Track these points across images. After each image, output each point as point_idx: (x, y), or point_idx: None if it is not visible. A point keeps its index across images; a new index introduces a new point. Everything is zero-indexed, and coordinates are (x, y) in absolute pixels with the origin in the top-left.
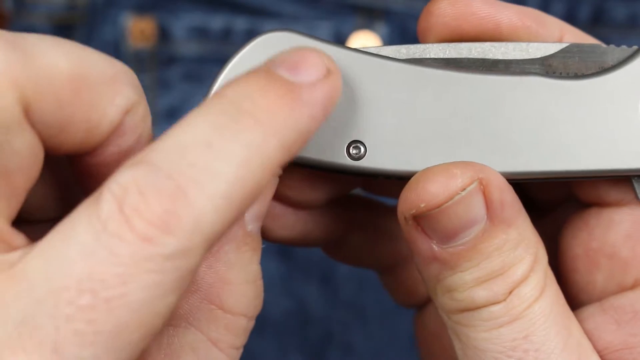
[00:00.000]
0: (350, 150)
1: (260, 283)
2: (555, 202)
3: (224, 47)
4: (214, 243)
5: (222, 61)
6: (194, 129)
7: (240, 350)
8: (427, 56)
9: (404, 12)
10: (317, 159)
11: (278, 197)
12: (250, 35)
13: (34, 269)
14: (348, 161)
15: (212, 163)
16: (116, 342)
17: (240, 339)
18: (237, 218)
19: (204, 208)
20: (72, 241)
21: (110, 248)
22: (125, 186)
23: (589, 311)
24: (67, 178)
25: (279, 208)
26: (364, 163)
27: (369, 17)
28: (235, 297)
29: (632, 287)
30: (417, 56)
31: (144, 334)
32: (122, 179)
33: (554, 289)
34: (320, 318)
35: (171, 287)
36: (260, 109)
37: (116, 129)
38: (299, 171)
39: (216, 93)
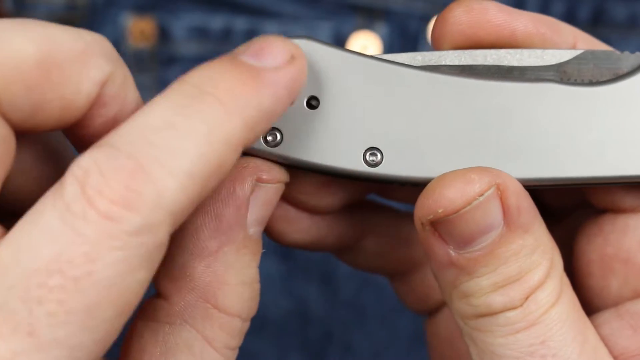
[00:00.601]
0: (367, 157)
1: (257, 286)
2: (569, 208)
3: (224, 47)
4: (180, 219)
5: None
6: (156, 111)
7: (236, 352)
8: (443, 63)
9: (404, 12)
10: (334, 166)
11: (293, 201)
12: (251, 35)
13: (5, 256)
14: (365, 168)
15: (174, 141)
16: (90, 320)
17: (235, 340)
18: (202, 195)
19: (166, 184)
20: (39, 226)
21: (75, 229)
22: (87, 168)
23: (604, 317)
24: (52, 167)
25: (293, 212)
26: (380, 170)
27: (369, 17)
28: (231, 298)
29: None
30: (432, 63)
31: (118, 311)
32: (83, 162)
33: (569, 294)
34: (320, 318)
35: (139, 263)
36: (223, 90)
37: (96, 101)
38: (314, 176)
39: (179, 78)
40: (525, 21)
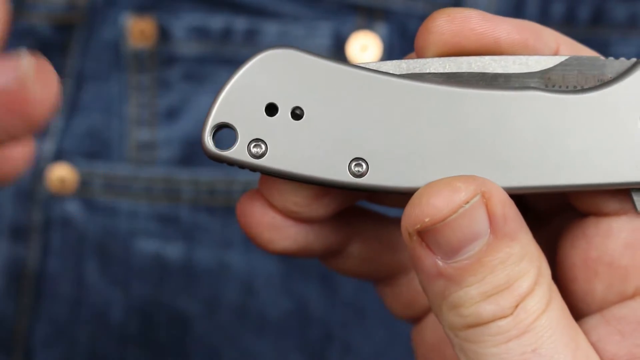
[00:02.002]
0: (352, 168)
1: None
2: (552, 211)
3: (224, 47)
4: None
5: (222, 61)
6: None
7: None
8: (427, 71)
9: (404, 12)
10: (319, 177)
11: (284, 212)
12: (250, 35)
13: None
14: (350, 178)
15: None
16: None
17: None
18: None
19: None
20: None
21: None
22: None
23: (591, 323)
24: None
25: (281, 220)
26: (366, 180)
27: (368, 17)
28: None
29: (633, 296)
30: (417, 71)
31: None
32: None
33: (559, 301)
34: (320, 318)
35: None
36: None
37: None
38: (306, 188)
39: None
40: (508, 28)
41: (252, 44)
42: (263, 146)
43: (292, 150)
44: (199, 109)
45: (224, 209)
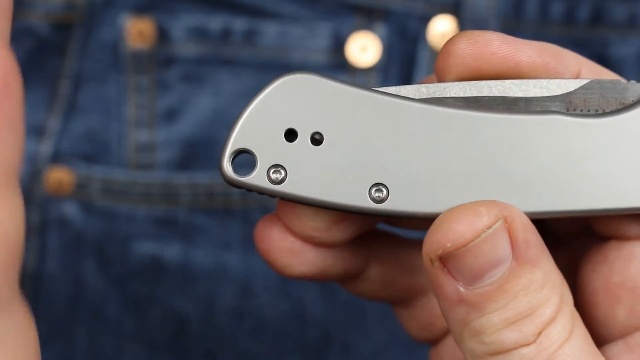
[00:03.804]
0: (373, 193)
1: None
2: (572, 235)
3: (223, 48)
4: None
5: (221, 62)
6: None
7: None
8: (448, 95)
9: (404, 12)
10: (339, 202)
11: (302, 236)
12: (250, 35)
13: None
14: (371, 204)
15: None
16: None
17: None
18: None
19: None
20: None
21: None
22: None
23: (614, 350)
24: None
25: (299, 245)
26: (386, 206)
27: (368, 18)
28: None
29: None
30: (437, 95)
31: None
32: None
33: (582, 329)
34: (318, 319)
35: None
36: None
37: None
38: (325, 213)
39: None
40: (530, 51)
41: (252, 45)
42: (283, 172)
43: (312, 176)
44: (198, 109)
45: (222, 211)
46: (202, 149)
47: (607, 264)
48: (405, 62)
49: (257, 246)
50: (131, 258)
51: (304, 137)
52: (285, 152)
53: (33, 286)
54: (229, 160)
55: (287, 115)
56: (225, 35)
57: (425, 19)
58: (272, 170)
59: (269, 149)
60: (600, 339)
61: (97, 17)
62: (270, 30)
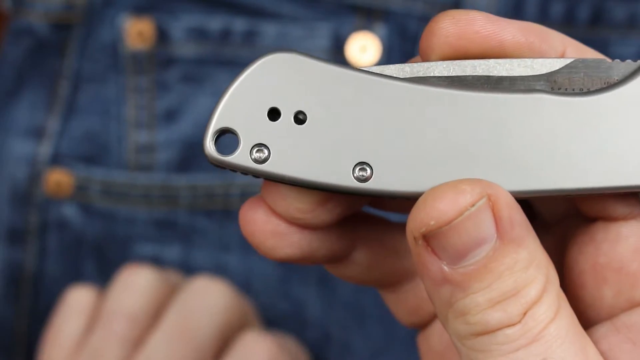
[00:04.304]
0: (357, 172)
1: None
2: (558, 218)
3: (223, 48)
4: None
5: (221, 62)
6: None
7: None
8: (431, 74)
9: (403, 12)
10: (323, 182)
11: (288, 218)
12: (249, 36)
13: None
14: (354, 183)
15: None
16: None
17: None
18: None
19: None
20: None
21: None
22: None
23: (601, 331)
24: None
25: (284, 227)
26: (370, 185)
27: (368, 18)
28: None
29: None
30: (421, 74)
31: None
32: None
33: (568, 310)
34: (318, 319)
35: None
36: None
37: None
38: (311, 194)
39: None
40: (514, 30)
41: (251, 45)
42: (266, 151)
43: (295, 155)
44: (198, 110)
45: (222, 212)
46: (202, 150)
47: (594, 245)
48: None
49: (242, 229)
50: (131, 260)
51: (287, 116)
52: (268, 131)
53: (33, 288)
54: (212, 140)
55: (270, 94)
56: (225, 35)
57: (425, 19)
58: (255, 150)
59: (251, 128)
60: (587, 321)
61: (96, 18)
62: (270, 31)
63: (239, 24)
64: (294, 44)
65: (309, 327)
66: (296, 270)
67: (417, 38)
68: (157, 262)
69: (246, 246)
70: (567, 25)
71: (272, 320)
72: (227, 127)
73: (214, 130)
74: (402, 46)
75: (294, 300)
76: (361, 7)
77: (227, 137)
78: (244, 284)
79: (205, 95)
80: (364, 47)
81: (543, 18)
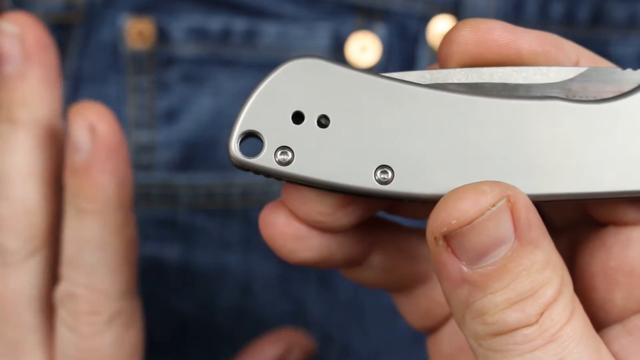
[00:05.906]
0: (378, 175)
1: None
2: (568, 224)
3: (223, 48)
4: None
5: (221, 62)
6: None
7: None
8: (450, 81)
9: (403, 12)
10: (345, 184)
11: (308, 221)
12: (249, 36)
13: None
14: (376, 186)
15: None
16: None
17: None
18: None
19: None
20: None
21: None
22: None
23: (612, 333)
24: None
25: (304, 230)
26: (391, 187)
27: (367, 18)
28: None
29: None
30: (440, 81)
31: None
32: None
33: (582, 312)
34: (318, 319)
35: None
36: None
37: None
38: (331, 197)
39: None
40: (531, 40)
41: (251, 45)
42: (290, 154)
43: (318, 158)
44: (198, 110)
45: (222, 211)
46: (202, 150)
47: (605, 249)
48: (405, 62)
49: (262, 232)
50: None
51: (310, 120)
52: (292, 134)
53: None
54: (237, 142)
55: (294, 99)
56: (225, 35)
57: (425, 19)
58: (279, 152)
59: (276, 131)
60: (598, 323)
61: (96, 18)
62: (270, 31)
63: (239, 24)
64: (294, 44)
65: (309, 327)
66: (296, 270)
67: (417, 38)
68: (157, 261)
69: (247, 245)
70: (567, 25)
71: (272, 320)
72: (252, 130)
73: (239, 132)
74: (402, 46)
75: (294, 300)
76: (361, 7)
77: (247, 142)
78: (244, 284)
79: (205, 95)
80: (364, 47)
81: (543, 18)
